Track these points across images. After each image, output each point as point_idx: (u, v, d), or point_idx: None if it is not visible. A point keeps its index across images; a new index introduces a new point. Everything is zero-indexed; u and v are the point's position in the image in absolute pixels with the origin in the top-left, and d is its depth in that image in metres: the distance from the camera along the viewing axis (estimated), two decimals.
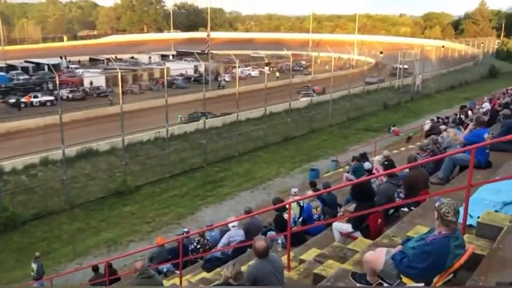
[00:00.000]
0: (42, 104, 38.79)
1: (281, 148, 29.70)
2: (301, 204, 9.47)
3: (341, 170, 21.59)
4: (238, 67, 33.07)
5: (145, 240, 17.13)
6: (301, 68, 64.49)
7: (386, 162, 8.93)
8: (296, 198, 9.44)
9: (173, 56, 75.66)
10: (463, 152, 7.46)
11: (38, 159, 23.72)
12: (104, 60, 66.76)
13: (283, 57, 59.44)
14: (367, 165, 10.74)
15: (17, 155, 24.10)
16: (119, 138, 23.82)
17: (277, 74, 55.50)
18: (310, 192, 9.50)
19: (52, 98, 39.34)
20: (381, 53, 44.84)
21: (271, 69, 53.73)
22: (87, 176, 22.98)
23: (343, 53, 56.78)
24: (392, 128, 32.44)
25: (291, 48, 57.76)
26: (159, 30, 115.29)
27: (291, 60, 36.83)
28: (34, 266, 13.43)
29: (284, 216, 8.37)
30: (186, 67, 57.41)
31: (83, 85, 46.70)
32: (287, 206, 8.19)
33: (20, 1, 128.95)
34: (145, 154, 26.19)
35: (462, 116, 20.99)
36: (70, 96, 41.63)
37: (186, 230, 12.31)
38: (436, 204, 4.07)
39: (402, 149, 24.79)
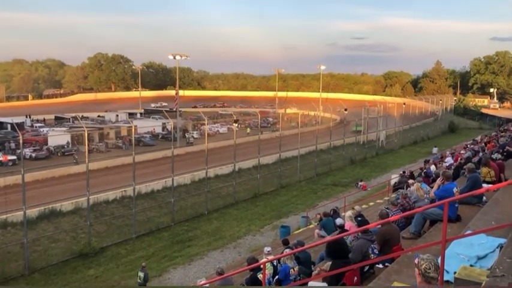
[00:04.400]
0: (4, 164, 37.44)
1: (251, 205, 29.45)
2: (275, 263, 9.24)
3: (311, 226, 21.48)
4: (207, 124, 33.28)
5: None
6: (269, 125, 65.54)
7: (359, 218, 8.92)
8: (271, 258, 9.21)
9: (141, 113, 75.66)
10: (434, 206, 7.55)
11: None
12: (69, 119, 65.95)
13: (251, 114, 60.48)
14: (338, 221, 10.69)
15: None
16: (84, 198, 23.03)
17: (248, 130, 56.19)
18: (285, 251, 9.29)
19: (14, 157, 38.14)
20: (346, 110, 46.21)
21: (239, 126, 54.35)
22: (49, 238, 21.92)
23: (309, 110, 58.26)
24: (359, 183, 32.87)
25: (258, 105, 58.98)
26: (127, 88, 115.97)
27: (259, 117, 37.46)
28: (141, 274, 16.64)
29: (258, 276, 8.11)
30: (154, 125, 57.29)
31: (47, 144, 45.64)
32: (261, 265, 7.99)
33: None
34: (111, 214, 25.39)
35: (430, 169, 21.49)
36: (34, 155, 40.44)
37: None
38: (416, 261, 4.03)
39: (371, 203, 25.02)
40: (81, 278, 18.94)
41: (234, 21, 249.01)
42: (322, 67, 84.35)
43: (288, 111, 63.99)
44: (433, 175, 15.98)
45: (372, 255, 8.05)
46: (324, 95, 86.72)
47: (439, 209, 8.22)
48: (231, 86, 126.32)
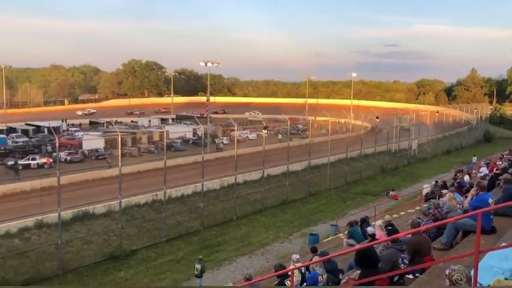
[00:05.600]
0: (40, 166, 38.71)
1: (279, 211, 29.41)
2: (302, 271, 9.22)
3: (341, 234, 21.27)
4: (237, 130, 33.49)
5: None
6: (299, 132, 65.40)
7: (389, 227, 8.81)
8: (298, 265, 9.19)
9: (172, 119, 76.81)
10: (467, 217, 7.39)
11: (32, 223, 23.25)
12: (104, 123, 67.65)
13: (281, 120, 60.48)
14: (370, 229, 10.57)
15: (12, 218, 23.67)
16: (116, 201, 23.54)
17: (280, 136, 56.18)
18: (314, 258, 9.25)
19: (45, 160, 39.33)
20: (377, 117, 45.65)
21: (268, 132, 54.46)
22: (82, 239, 22.49)
23: (340, 117, 57.83)
24: (391, 192, 32.36)
25: (287, 112, 58.96)
26: (160, 94, 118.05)
27: (289, 124, 37.42)
28: (198, 266, 17.74)
29: (286, 283, 8.11)
30: (184, 130, 58.09)
31: (82, 148, 46.92)
32: (289, 273, 7.99)
33: (24, 66, 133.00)
34: (142, 217, 25.84)
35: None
36: (68, 158, 41.63)
37: None
38: (447, 272, 3.97)
39: (402, 213, 24.60)
40: (111, 279, 19.34)
41: (265, 28, 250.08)
42: (354, 74, 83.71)
43: (318, 118, 63.68)
44: (467, 185, 15.58)
45: (402, 265, 7.93)
46: (355, 102, 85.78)
47: (472, 220, 8.02)
48: (261, 92, 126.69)
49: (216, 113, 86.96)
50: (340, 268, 9.98)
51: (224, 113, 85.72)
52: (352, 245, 13.28)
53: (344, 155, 38.49)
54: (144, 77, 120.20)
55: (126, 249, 21.73)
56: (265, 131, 34.50)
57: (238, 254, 22.08)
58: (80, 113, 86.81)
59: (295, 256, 10.69)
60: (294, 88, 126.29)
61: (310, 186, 33.75)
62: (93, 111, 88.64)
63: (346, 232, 18.17)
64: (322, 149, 37.94)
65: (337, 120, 60.35)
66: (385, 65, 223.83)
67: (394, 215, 22.49)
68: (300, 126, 70.14)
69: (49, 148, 44.14)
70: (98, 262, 20.76)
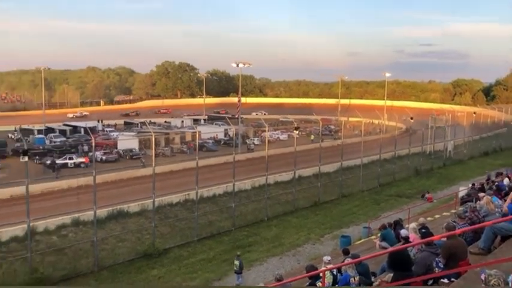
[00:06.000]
0: (77, 165, 39.86)
1: (311, 213, 29.24)
2: (334, 273, 9.13)
3: (373, 237, 20.95)
4: (268, 131, 33.51)
5: None
6: (332, 132, 64.91)
7: (423, 230, 8.62)
8: (330, 266, 9.12)
9: (204, 120, 77.63)
10: (506, 221, 7.15)
11: (69, 220, 24.01)
12: (138, 124, 69.07)
13: (312, 121, 60.16)
14: (403, 232, 10.36)
15: (50, 216, 24.48)
16: (150, 200, 23.97)
17: (312, 137, 55.86)
18: (345, 261, 9.16)
19: (84, 159, 40.47)
20: (411, 118, 44.72)
21: (300, 133, 54.27)
22: (117, 237, 23.01)
23: (373, 118, 56.96)
24: (425, 195, 31.66)
25: (319, 112, 58.82)
26: (192, 95, 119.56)
27: (321, 125, 37.18)
28: (237, 262, 18.40)
29: (317, 284, 8.06)
30: (216, 131, 58.63)
31: (116, 147, 48.04)
32: (321, 274, 7.93)
33: (62, 68, 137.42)
34: (175, 216, 26.23)
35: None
36: (104, 158, 42.71)
37: None
38: (482, 276, 3.86)
39: (437, 216, 24.00)
40: (145, 277, 19.70)
41: (297, 28, 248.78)
42: (387, 74, 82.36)
43: (351, 119, 62.95)
44: (506, 188, 15.09)
45: (437, 269, 7.74)
46: (389, 102, 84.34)
47: (511, 224, 7.77)
48: (292, 93, 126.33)
49: (217, 112, 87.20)
50: (372, 271, 9.84)
51: (226, 113, 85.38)
52: (384, 248, 13.06)
53: (377, 157, 37.89)
54: (177, 78, 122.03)
55: (159, 247, 22.09)
56: (297, 132, 34.32)
57: (269, 254, 22.08)
58: (71, 115, 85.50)
59: (327, 258, 10.61)
60: (326, 88, 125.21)
61: (343, 188, 33.41)
62: (86, 113, 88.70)
63: (378, 235, 17.91)
64: (355, 150, 37.50)
65: (370, 121, 59.53)
66: (420, 64, 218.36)
67: (429, 218, 21.96)
68: (332, 127, 69.63)
69: (85, 148, 45.47)
70: (132, 260, 21.19)
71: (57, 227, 23.41)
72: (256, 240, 24.21)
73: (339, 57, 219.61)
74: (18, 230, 21.39)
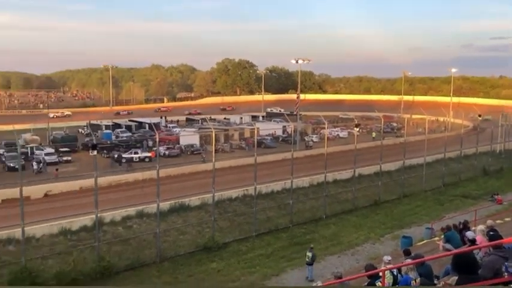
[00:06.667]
0: (141, 159, 41.50)
1: (371, 212, 28.66)
2: (395, 273, 8.91)
3: (436, 238, 20.17)
4: (327, 128, 33.13)
5: None
6: (394, 130, 63.13)
7: (491, 233, 8.21)
8: (390, 266, 8.91)
9: (263, 116, 78.02)
10: None
11: (134, 212, 25.10)
12: (199, 120, 70.78)
13: (374, 118, 58.78)
14: (470, 234, 9.92)
15: (116, 207, 25.71)
16: (210, 194, 24.53)
17: (374, 134, 54.61)
18: (406, 261, 8.91)
19: (150, 154, 42.05)
20: (480, 116, 42.51)
21: (360, 130, 53.20)
22: (178, 230, 23.79)
23: (438, 116, 54.69)
24: (495, 196, 30.01)
25: (381, 109, 57.10)
26: (251, 92, 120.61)
27: (382, 122, 36.24)
28: (309, 254, 18.95)
29: (377, 284, 7.92)
30: (274, 127, 58.77)
31: (179, 143, 49.48)
32: (380, 273, 7.79)
33: (128, 66, 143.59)
34: (234, 211, 26.66)
35: None
36: (167, 153, 44.16)
37: None
38: None
39: (507, 219, 22.71)
40: (204, 270, 20.22)
41: (358, 24, 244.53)
42: (453, 70, 78.71)
43: (414, 116, 60.76)
44: None
45: (506, 273, 7.35)
46: (455, 99, 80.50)
47: None
48: (353, 89, 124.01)
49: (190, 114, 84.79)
50: (435, 274, 9.50)
51: (198, 114, 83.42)
52: (448, 250, 12.56)
53: (442, 155, 36.43)
54: (237, 75, 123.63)
55: (218, 241, 22.58)
56: (357, 129, 33.63)
57: (327, 253, 21.91)
58: (51, 115, 76.26)
59: (387, 258, 10.38)
60: (389, 84, 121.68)
61: (404, 187, 32.44)
62: (68, 113, 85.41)
63: (442, 236, 17.24)
64: (418, 148, 36.30)
65: (435, 119, 57.22)
66: (490, 59, 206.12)
67: (498, 221, 20.80)
68: (395, 124, 67.61)
69: (150, 143, 47.17)
70: (192, 252, 21.82)
71: (122, 218, 24.56)
72: (314, 238, 24.10)
73: (401, 52, 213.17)
74: (87, 220, 22.67)
